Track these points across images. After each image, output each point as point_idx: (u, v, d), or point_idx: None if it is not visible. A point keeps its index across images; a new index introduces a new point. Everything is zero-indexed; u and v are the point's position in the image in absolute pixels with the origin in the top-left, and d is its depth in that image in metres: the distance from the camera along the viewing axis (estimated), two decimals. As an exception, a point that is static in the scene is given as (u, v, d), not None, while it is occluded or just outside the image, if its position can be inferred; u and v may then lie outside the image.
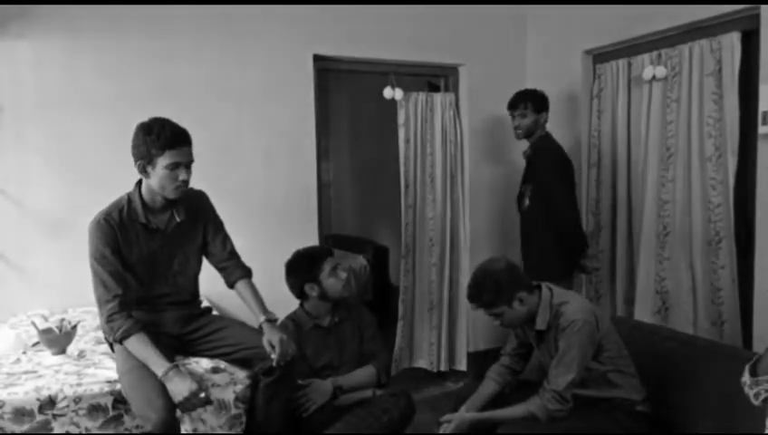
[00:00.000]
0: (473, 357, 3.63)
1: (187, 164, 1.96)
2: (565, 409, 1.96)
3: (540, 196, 2.90)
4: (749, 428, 1.78)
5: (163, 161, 1.90)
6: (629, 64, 3.06)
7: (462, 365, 3.62)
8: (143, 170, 1.94)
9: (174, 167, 1.91)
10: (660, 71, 2.85)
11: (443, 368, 3.60)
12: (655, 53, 2.91)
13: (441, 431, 2.10)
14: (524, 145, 3.10)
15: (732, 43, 2.57)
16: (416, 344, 3.59)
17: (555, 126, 3.59)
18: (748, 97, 2.55)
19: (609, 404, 2.05)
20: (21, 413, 1.80)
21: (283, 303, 2.43)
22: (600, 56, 3.31)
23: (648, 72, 2.88)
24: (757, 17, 2.46)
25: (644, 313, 2.98)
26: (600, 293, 3.25)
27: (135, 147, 1.92)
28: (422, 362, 3.60)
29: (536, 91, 3.04)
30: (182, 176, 1.94)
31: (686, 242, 2.77)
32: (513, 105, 3.01)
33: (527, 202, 2.98)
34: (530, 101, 2.95)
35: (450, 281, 3.59)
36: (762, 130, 2.44)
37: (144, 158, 1.91)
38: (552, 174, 2.86)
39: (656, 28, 2.90)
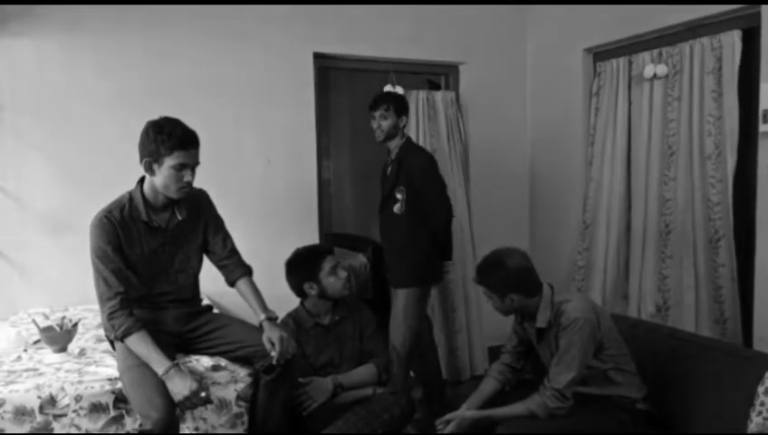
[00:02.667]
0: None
1: (193, 166, 1.96)
2: (565, 407, 1.97)
3: (415, 199, 2.82)
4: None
5: (170, 161, 1.90)
6: (630, 62, 3.06)
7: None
8: (149, 168, 1.93)
9: (180, 168, 1.92)
10: (661, 69, 2.85)
11: (479, 372, 3.50)
12: (655, 51, 2.91)
13: (441, 430, 2.11)
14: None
15: (732, 41, 2.57)
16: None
17: (553, 123, 3.60)
18: (748, 95, 2.55)
19: (610, 402, 2.05)
20: (21, 412, 1.80)
21: (284, 301, 2.43)
22: (600, 54, 3.30)
23: (648, 71, 2.88)
24: (758, 15, 2.46)
25: (642, 310, 2.99)
26: (583, 291, 3.25)
27: (143, 144, 1.92)
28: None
29: (398, 94, 3.05)
30: (187, 177, 1.94)
31: (688, 240, 2.78)
32: (375, 106, 2.89)
33: (401, 206, 2.84)
34: (392, 103, 2.86)
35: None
36: (762, 128, 2.44)
37: (152, 155, 1.91)
38: (427, 177, 2.85)
39: (656, 26, 2.90)
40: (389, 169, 2.93)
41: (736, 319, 2.62)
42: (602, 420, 2.01)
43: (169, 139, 1.88)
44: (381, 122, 2.86)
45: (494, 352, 3.50)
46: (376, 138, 2.92)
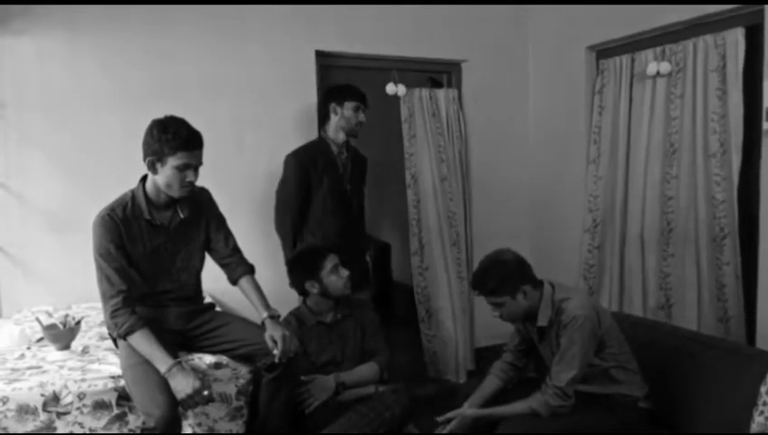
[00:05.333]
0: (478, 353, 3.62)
1: (196, 166, 1.96)
2: (567, 405, 1.96)
3: (362, 198, 2.98)
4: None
5: (174, 161, 1.90)
6: (633, 60, 3.05)
7: None
8: (152, 167, 1.94)
9: (184, 168, 1.92)
10: (664, 66, 2.83)
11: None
12: (659, 49, 2.89)
13: (442, 429, 2.11)
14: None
15: (736, 38, 2.56)
16: (448, 350, 3.44)
17: (555, 121, 3.59)
18: (752, 93, 2.54)
19: (611, 400, 2.05)
20: (24, 410, 1.81)
21: (286, 299, 2.43)
22: (603, 52, 3.29)
23: (651, 68, 2.87)
24: (761, 12, 2.45)
25: (639, 308, 2.99)
26: (594, 289, 3.25)
27: (147, 143, 1.92)
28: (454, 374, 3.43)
29: None
30: (189, 177, 1.95)
31: (691, 238, 2.77)
32: (364, 101, 2.83)
33: (356, 205, 2.94)
34: None
35: None
36: (766, 125, 2.43)
37: (156, 154, 1.91)
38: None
39: (659, 24, 2.88)
40: (347, 166, 2.87)
41: (740, 317, 2.61)
42: (604, 419, 2.01)
43: (174, 139, 1.88)
44: (363, 120, 2.84)
45: (482, 353, 3.53)
46: (354, 133, 2.85)
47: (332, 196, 2.78)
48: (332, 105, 2.80)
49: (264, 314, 2.05)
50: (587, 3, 3.26)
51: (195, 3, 2.94)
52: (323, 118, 2.87)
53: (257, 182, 3.14)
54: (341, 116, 2.78)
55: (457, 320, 3.45)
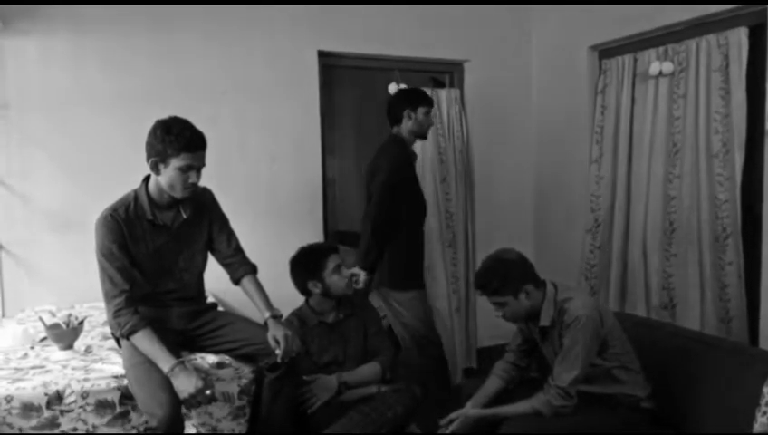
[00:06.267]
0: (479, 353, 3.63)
1: (199, 168, 1.97)
2: (570, 405, 1.96)
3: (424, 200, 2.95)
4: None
5: (177, 162, 1.90)
6: (635, 60, 3.05)
7: None
8: (155, 167, 1.94)
9: (187, 169, 1.92)
10: (667, 66, 2.83)
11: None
12: (661, 49, 2.89)
13: (445, 429, 2.11)
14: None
15: (739, 38, 2.55)
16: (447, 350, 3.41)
17: (558, 121, 3.59)
18: (755, 93, 2.54)
19: (614, 400, 2.05)
20: (29, 408, 1.81)
21: (289, 299, 2.43)
22: (605, 51, 3.29)
23: (654, 68, 2.87)
24: (764, 12, 2.45)
25: (642, 308, 2.98)
26: (596, 289, 3.25)
27: (150, 144, 1.92)
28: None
29: None
30: (192, 178, 1.95)
31: (694, 238, 2.76)
32: (433, 104, 2.93)
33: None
34: None
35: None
36: (768, 125, 2.42)
37: (159, 155, 1.91)
38: None
39: (662, 23, 2.88)
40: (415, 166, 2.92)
41: (742, 317, 2.61)
42: (607, 419, 2.01)
43: (177, 140, 1.88)
44: (432, 123, 2.90)
45: (485, 353, 3.53)
46: (425, 136, 2.90)
47: (414, 194, 2.82)
48: (407, 110, 2.82)
49: (267, 314, 2.05)
50: (589, 2, 3.26)
51: (197, 3, 2.95)
52: (395, 120, 2.85)
53: (259, 183, 3.15)
54: (415, 120, 2.82)
55: (453, 320, 3.46)
